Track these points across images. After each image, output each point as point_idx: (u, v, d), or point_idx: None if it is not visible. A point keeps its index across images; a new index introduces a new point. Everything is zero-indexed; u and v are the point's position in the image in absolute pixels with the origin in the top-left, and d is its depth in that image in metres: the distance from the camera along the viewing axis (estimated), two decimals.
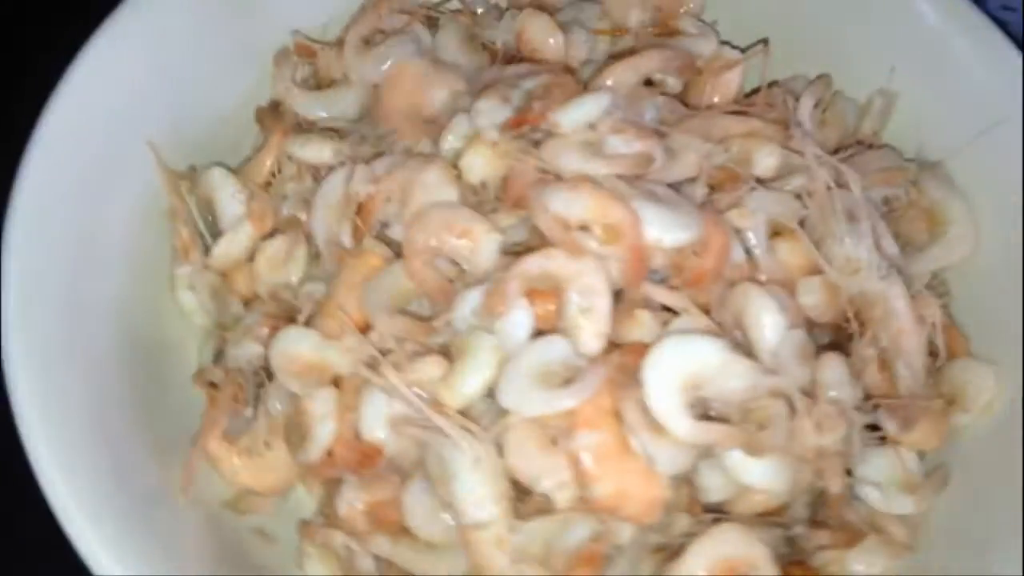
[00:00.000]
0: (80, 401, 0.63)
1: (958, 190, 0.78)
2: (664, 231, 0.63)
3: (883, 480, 0.70)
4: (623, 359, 0.61)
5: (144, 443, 0.67)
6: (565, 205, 0.62)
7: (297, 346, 0.67)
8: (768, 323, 0.65)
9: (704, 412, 0.61)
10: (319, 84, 0.84)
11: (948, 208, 0.78)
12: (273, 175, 0.80)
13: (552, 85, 0.69)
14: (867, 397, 0.69)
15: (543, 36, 0.81)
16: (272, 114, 0.82)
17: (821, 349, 0.69)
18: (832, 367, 0.64)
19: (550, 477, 0.60)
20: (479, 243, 0.65)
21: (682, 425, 0.59)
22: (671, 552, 0.63)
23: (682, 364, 0.60)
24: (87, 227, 0.69)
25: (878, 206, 0.76)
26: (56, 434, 0.60)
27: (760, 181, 0.72)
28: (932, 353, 0.73)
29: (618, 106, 0.69)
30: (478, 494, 0.61)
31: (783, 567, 0.63)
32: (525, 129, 0.67)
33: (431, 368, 0.63)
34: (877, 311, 0.70)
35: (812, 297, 0.69)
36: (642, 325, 0.64)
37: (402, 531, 0.67)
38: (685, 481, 0.64)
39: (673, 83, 0.77)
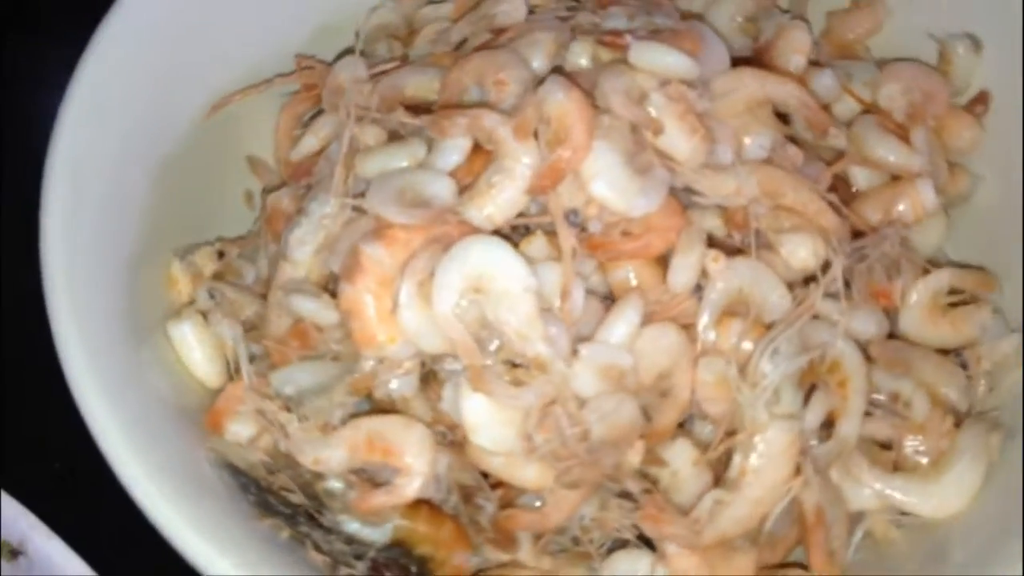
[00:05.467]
0: None
1: (984, 461, 0.66)
2: (597, 179, 0.62)
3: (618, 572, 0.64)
4: (458, 228, 0.62)
5: None
6: (548, 95, 0.63)
7: (344, 69, 0.75)
8: (612, 331, 0.62)
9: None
10: None
11: (957, 467, 0.66)
12: None
13: (670, 32, 0.68)
14: None
15: (788, 50, 0.78)
16: None
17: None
18: (601, 402, 0.60)
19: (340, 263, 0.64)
20: (505, 94, 0.68)
21: (442, 301, 0.60)
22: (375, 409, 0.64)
23: (487, 260, 0.59)
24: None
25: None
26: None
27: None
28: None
29: (705, 90, 0.67)
30: (305, 236, 0.67)
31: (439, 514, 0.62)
32: (608, 39, 0.68)
33: (368, 136, 0.68)
34: (743, 435, 0.62)
35: (708, 376, 0.64)
36: (531, 245, 0.64)
37: None
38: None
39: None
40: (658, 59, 0.66)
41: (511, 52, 0.71)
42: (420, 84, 0.72)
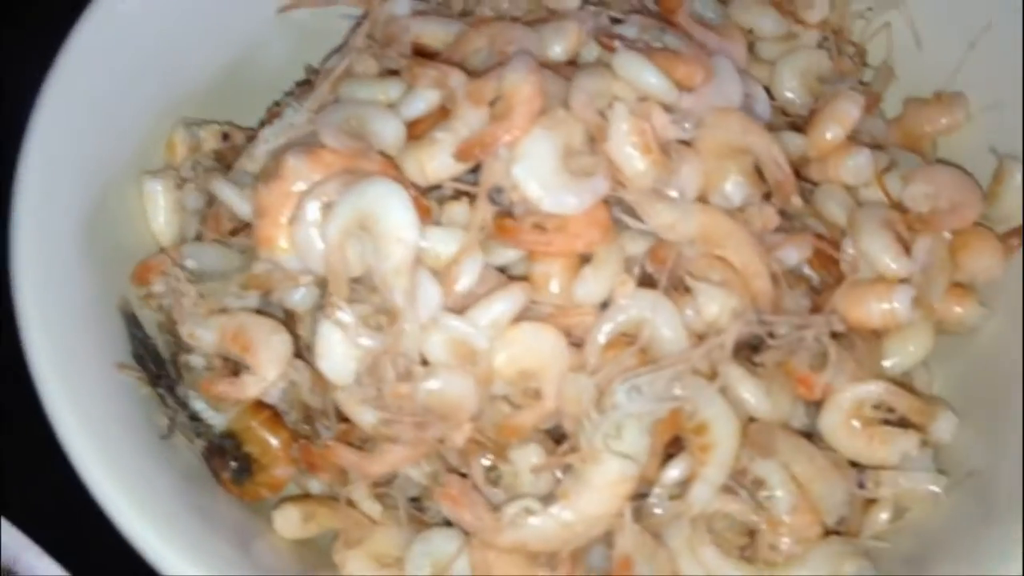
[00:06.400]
0: None
1: None
2: (521, 161, 0.63)
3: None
4: (380, 167, 0.64)
5: None
6: (509, 71, 0.64)
7: (392, 3, 0.77)
8: (482, 312, 0.62)
9: None
10: None
11: None
12: None
13: (670, 52, 0.67)
14: None
15: (830, 117, 0.75)
16: None
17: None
18: (438, 371, 0.60)
19: None
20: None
21: (329, 226, 0.62)
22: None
23: (379, 202, 0.61)
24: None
25: None
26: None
27: None
28: None
29: (686, 119, 0.66)
30: (269, 137, 0.70)
31: None
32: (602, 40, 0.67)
33: (360, 65, 0.71)
34: (575, 458, 0.62)
35: (570, 391, 0.63)
36: (452, 210, 0.65)
37: None
38: None
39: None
40: (636, 72, 0.65)
41: (529, 30, 0.71)
42: (436, 34, 0.73)
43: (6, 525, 0.70)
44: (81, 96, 0.70)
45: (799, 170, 0.75)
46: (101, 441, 0.61)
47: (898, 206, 0.74)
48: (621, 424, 0.60)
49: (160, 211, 0.74)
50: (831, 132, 0.74)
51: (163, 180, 0.74)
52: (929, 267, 0.70)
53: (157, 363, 0.67)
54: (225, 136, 0.79)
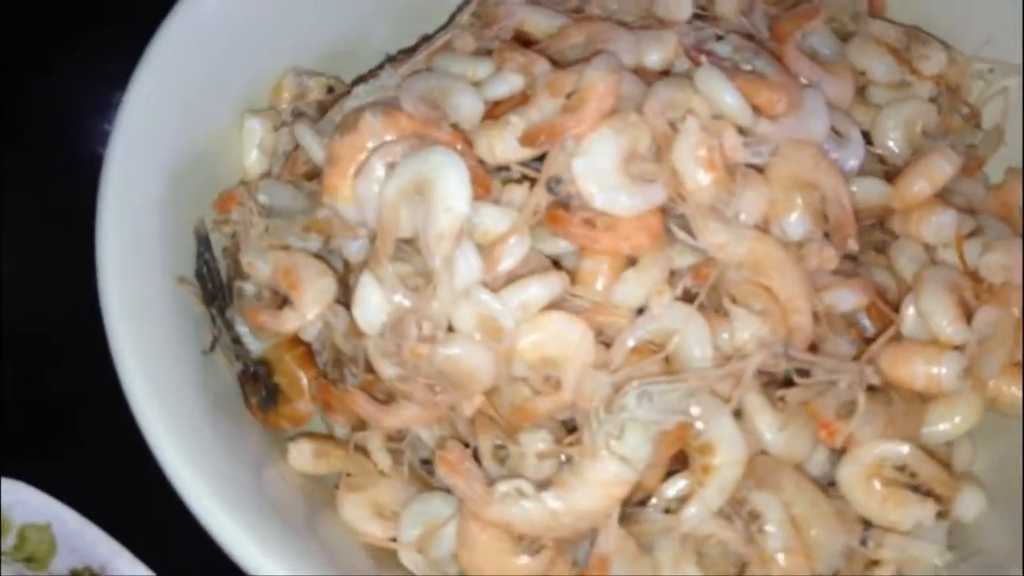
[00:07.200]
0: None
1: None
2: (582, 157, 0.64)
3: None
4: (450, 138, 0.66)
5: None
6: (591, 67, 0.65)
7: None
8: (517, 291, 0.64)
9: None
10: None
11: None
12: None
13: (756, 75, 0.67)
14: None
15: (919, 173, 0.74)
16: None
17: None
18: (458, 339, 0.62)
19: None
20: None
21: (388, 183, 0.64)
22: None
23: (437, 170, 0.62)
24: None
25: None
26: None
27: None
28: None
29: (759, 144, 0.66)
30: (362, 94, 0.73)
31: None
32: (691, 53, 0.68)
33: (459, 41, 0.73)
34: (576, 451, 0.63)
35: (587, 387, 0.64)
36: (512, 192, 0.67)
37: None
38: None
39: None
40: (714, 89, 0.65)
41: (628, 33, 0.72)
42: (539, 23, 0.75)
43: (97, 531, 0.72)
44: (193, 51, 0.74)
45: (882, 220, 0.74)
46: (143, 344, 0.65)
47: (972, 274, 0.71)
48: (625, 426, 0.61)
49: (253, 148, 0.78)
50: (918, 186, 0.73)
51: (261, 120, 0.78)
52: (988, 340, 0.68)
53: (215, 284, 0.71)
54: (330, 89, 0.82)
